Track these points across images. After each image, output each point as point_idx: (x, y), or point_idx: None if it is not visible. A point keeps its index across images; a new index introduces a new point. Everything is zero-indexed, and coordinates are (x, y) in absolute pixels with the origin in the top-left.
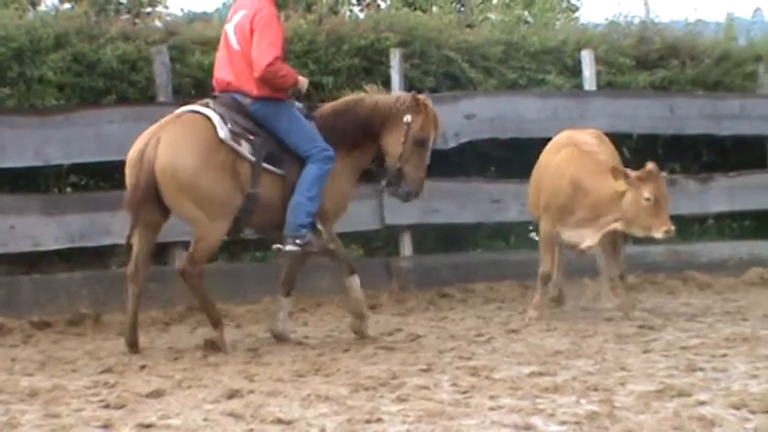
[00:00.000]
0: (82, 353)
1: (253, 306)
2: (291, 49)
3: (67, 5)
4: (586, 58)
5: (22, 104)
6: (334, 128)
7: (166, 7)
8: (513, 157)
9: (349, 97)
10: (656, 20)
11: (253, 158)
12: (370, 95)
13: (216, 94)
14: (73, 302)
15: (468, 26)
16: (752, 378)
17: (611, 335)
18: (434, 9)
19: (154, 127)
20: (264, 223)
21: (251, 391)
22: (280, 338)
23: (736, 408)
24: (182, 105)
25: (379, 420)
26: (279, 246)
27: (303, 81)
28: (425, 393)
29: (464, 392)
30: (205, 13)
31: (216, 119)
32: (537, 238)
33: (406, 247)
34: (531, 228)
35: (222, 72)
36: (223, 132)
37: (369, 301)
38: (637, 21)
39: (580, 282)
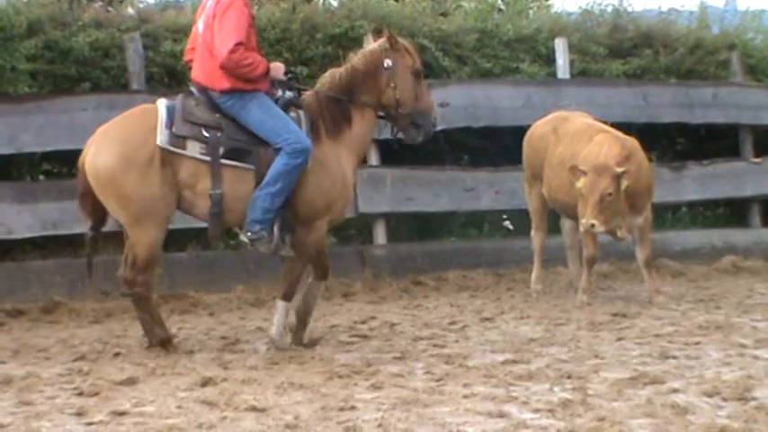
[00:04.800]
0: (55, 340)
1: (227, 294)
2: (265, 37)
3: None
4: (560, 46)
5: None
6: (326, 110)
7: None
8: (487, 145)
9: (325, 76)
10: (630, 8)
11: (207, 158)
12: (344, 65)
13: (192, 88)
14: (46, 290)
15: (442, 14)
16: (725, 365)
17: (585, 322)
18: None
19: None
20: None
21: (225, 379)
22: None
23: (709, 395)
24: (154, 93)
25: (353, 408)
26: (237, 231)
27: (277, 67)
28: (399, 381)
29: (438, 380)
30: (178, 1)
31: (162, 120)
32: (511, 227)
33: (380, 235)
34: (504, 216)
35: (194, 71)
36: (161, 137)
37: (343, 289)
38: (610, 9)
39: (554, 270)
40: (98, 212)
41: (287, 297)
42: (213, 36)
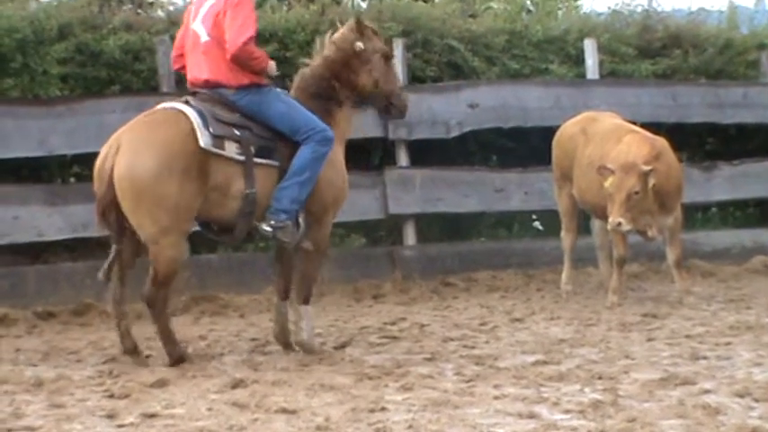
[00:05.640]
0: (86, 343)
1: (257, 296)
2: (294, 39)
3: None
4: (589, 47)
5: (25, 95)
6: (313, 106)
7: None
8: (516, 146)
9: (301, 72)
10: (659, 9)
11: (242, 158)
12: (315, 57)
13: (195, 90)
14: (77, 293)
15: (471, 16)
16: (756, 366)
17: (615, 323)
18: None
19: (120, 130)
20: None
21: (255, 381)
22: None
23: (741, 396)
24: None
25: (383, 409)
26: (256, 224)
27: (272, 64)
28: (430, 382)
29: (468, 381)
30: None
31: (197, 121)
32: (541, 228)
33: (410, 236)
34: (534, 217)
35: (195, 71)
36: (204, 139)
37: (372, 291)
38: (639, 10)
39: (584, 270)
40: (121, 223)
41: (308, 300)
42: (224, 30)
